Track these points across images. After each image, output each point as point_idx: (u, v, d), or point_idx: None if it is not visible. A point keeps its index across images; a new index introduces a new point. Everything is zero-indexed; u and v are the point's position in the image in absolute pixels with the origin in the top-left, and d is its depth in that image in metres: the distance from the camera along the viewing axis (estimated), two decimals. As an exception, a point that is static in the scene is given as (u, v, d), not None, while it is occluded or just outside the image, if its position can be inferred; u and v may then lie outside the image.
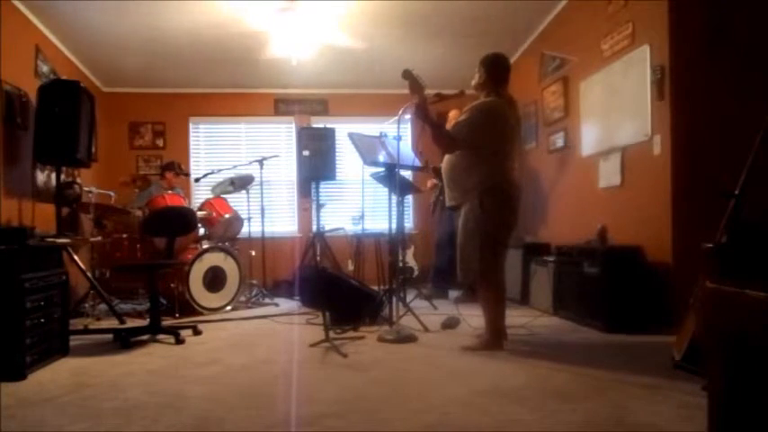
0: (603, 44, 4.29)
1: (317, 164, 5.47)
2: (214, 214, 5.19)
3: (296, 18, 4.86)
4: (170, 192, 5.16)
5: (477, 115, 3.23)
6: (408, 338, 3.47)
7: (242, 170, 5.65)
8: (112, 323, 4.18)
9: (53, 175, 4.37)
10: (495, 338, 3.21)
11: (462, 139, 3.23)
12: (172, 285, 4.67)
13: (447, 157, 3.39)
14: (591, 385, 2.48)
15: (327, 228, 5.66)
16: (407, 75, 3.26)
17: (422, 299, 4.95)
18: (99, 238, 4.80)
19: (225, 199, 5.47)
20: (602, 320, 3.66)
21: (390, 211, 3.88)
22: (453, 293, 5.27)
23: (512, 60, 5.72)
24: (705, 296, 1.70)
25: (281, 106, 7.03)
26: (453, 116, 4.56)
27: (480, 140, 3.19)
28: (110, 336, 3.69)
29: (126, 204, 5.06)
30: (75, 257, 4.35)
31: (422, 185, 5.56)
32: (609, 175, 4.28)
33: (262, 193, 5.60)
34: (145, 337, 3.66)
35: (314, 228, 5.63)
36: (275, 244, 6.36)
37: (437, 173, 4.95)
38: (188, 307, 4.65)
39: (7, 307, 2.73)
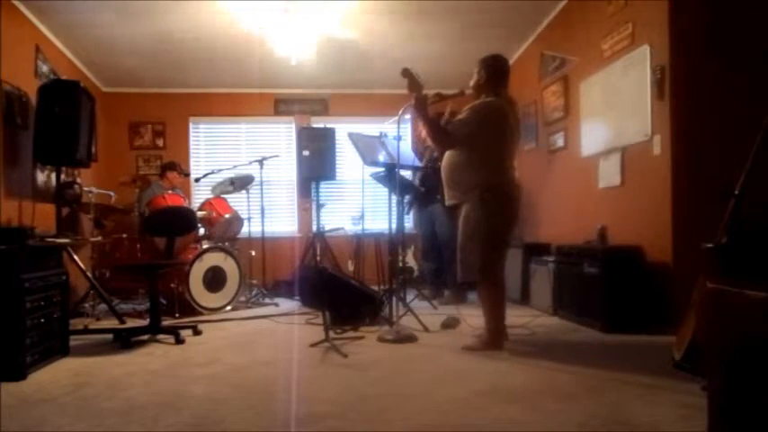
0: (603, 44, 4.28)
1: (316, 164, 5.46)
2: (214, 214, 5.19)
3: (296, 18, 4.85)
4: (170, 192, 5.16)
5: (478, 115, 3.23)
6: (408, 338, 3.47)
7: (242, 170, 5.66)
8: (112, 323, 4.18)
9: (53, 175, 4.38)
10: (494, 338, 3.21)
11: (460, 136, 3.24)
12: (172, 285, 4.67)
13: (447, 156, 3.39)
14: (591, 385, 2.48)
15: (327, 228, 5.66)
16: (406, 73, 3.27)
17: (422, 299, 4.95)
18: (99, 238, 4.80)
19: (225, 199, 5.48)
20: (601, 320, 3.66)
21: (390, 211, 3.89)
22: (448, 293, 5.26)
23: (512, 60, 5.76)
24: (705, 296, 1.70)
25: (281, 106, 7.03)
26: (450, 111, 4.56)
27: (481, 140, 3.19)
28: (110, 336, 3.69)
29: (128, 205, 5.06)
30: (75, 257, 4.35)
31: None
32: (609, 175, 4.28)
33: (262, 193, 5.60)
34: (145, 337, 3.66)
35: (314, 228, 5.63)
36: (275, 244, 6.36)
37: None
38: (188, 307, 4.65)
39: (7, 307, 2.74)
